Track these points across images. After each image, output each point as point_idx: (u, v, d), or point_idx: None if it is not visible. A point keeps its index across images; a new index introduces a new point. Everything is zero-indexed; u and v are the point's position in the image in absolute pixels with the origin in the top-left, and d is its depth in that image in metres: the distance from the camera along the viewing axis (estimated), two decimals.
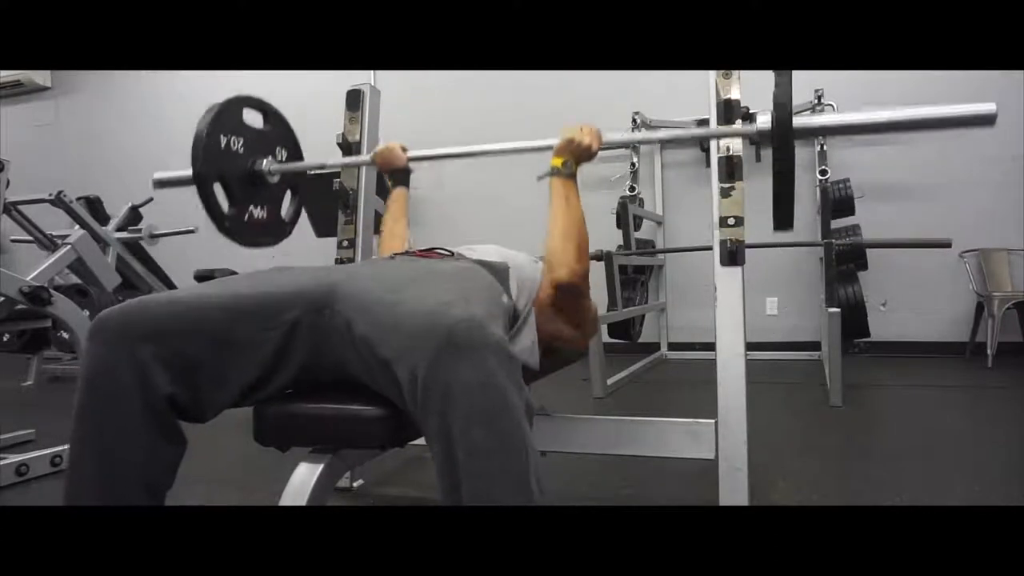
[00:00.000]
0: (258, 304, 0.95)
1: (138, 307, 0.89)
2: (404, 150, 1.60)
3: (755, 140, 1.32)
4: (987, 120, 1.18)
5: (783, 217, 1.30)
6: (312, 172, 1.77)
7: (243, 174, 1.50)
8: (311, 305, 0.96)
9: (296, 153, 1.66)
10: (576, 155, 1.32)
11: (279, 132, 1.62)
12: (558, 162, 1.32)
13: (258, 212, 1.55)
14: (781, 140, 1.22)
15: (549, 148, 1.35)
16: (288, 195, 1.68)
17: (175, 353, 0.88)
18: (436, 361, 0.77)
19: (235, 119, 1.47)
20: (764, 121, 1.28)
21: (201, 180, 1.38)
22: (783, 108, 1.20)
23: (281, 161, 1.59)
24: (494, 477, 0.77)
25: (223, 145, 1.43)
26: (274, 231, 1.62)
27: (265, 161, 1.54)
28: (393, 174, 1.64)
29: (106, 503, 0.84)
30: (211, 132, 1.39)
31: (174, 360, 0.87)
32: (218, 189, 1.45)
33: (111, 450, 0.84)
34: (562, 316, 1.29)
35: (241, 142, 1.48)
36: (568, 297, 1.26)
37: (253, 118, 1.54)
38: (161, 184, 1.71)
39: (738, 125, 1.40)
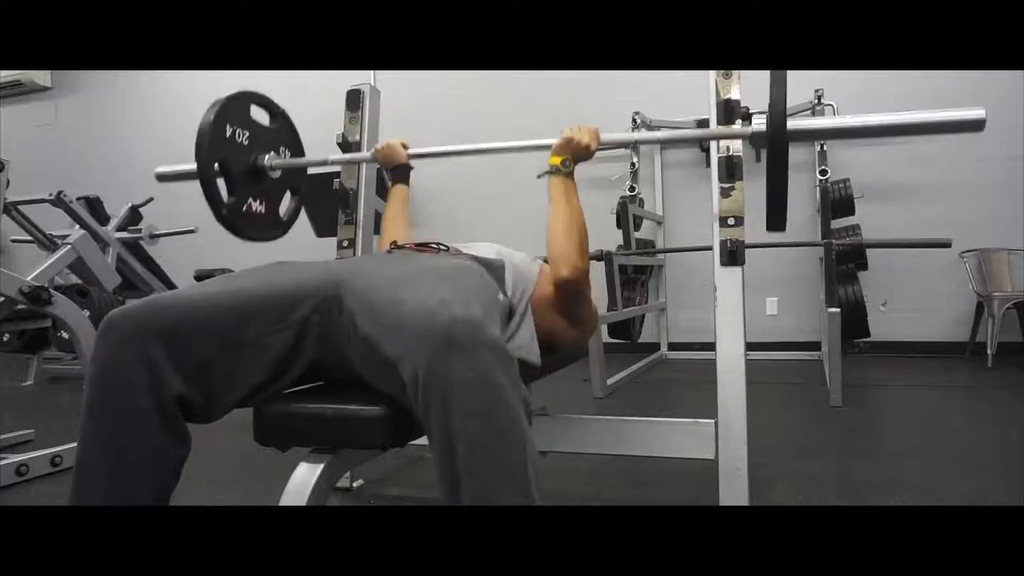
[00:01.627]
0: (266, 303, 0.95)
1: (148, 307, 0.89)
2: (405, 147, 1.59)
3: (754, 143, 1.33)
4: (976, 126, 1.21)
5: (776, 219, 1.31)
6: (312, 171, 1.77)
7: (245, 166, 1.51)
8: (321, 303, 0.97)
9: (298, 155, 1.66)
10: (575, 154, 1.33)
11: (284, 132, 1.64)
12: (557, 161, 1.32)
13: (257, 205, 1.56)
14: (775, 143, 1.23)
15: (548, 147, 1.35)
16: (288, 196, 1.68)
17: (186, 353, 0.88)
18: (435, 360, 0.78)
19: (242, 113, 1.50)
20: (759, 123, 1.28)
21: (203, 161, 1.39)
22: (778, 112, 1.20)
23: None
24: (494, 471, 0.77)
25: (228, 134, 1.46)
26: (271, 227, 1.62)
27: (267, 156, 1.55)
28: (394, 171, 1.63)
29: (114, 502, 0.84)
30: (217, 119, 1.41)
31: (185, 360, 0.88)
32: (221, 186, 1.46)
33: (121, 449, 0.85)
34: (563, 314, 1.29)
35: (246, 135, 1.50)
36: (570, 295, 1.26)
37: (260, 116, 1.56)
38: (163, 178, 1.70)
39: (736, 126, 1.40)
